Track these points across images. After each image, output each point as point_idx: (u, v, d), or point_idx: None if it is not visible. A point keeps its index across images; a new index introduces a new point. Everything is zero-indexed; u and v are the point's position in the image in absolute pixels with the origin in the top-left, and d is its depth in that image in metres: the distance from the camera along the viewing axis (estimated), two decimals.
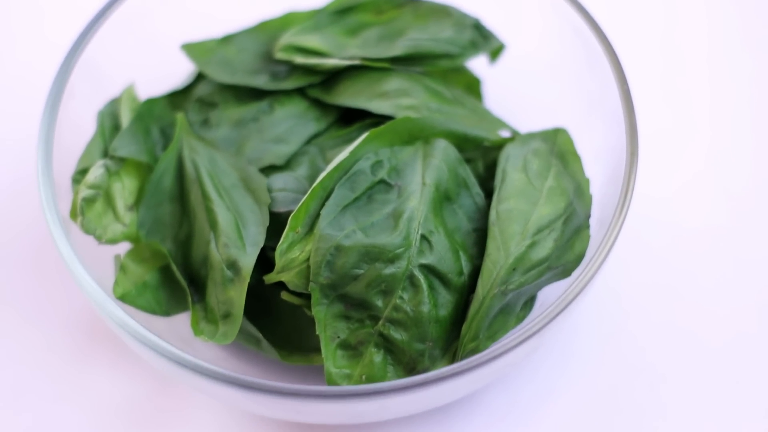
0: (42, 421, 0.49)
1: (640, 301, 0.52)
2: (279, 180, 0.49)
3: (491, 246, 0.46)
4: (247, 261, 0.46)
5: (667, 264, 0.53)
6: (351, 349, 0.45)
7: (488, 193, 0.49)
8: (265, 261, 0.47)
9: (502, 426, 0.49)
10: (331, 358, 0.45)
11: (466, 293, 0.46)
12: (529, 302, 0.48)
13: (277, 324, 0.48)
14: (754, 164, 0.57)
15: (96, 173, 0.48)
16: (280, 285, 0.47)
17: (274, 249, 0.46)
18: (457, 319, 0.46)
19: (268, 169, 0.49)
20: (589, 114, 0.51)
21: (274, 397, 0.42)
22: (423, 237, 0.46)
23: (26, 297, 0.52)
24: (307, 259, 0.45)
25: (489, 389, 0.50)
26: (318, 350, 0.46)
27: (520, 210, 0.47)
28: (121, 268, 0.48)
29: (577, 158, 0.50)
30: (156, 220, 0.49)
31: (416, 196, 0.46)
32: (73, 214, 0.47)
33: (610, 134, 0.49)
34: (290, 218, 0.46)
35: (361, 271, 0.45)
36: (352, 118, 0.51)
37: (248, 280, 0.45)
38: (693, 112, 0.59)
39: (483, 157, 0.50)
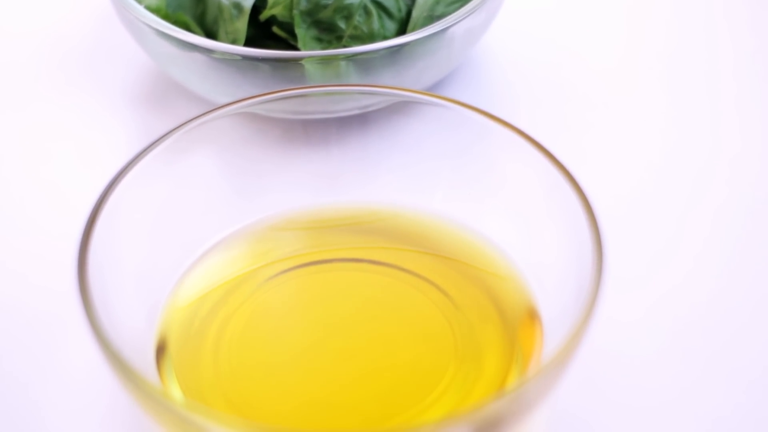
0: (104, 143, 0.66)
1: (536, 57, 0.71)
2: None
3: None
4: (248, 2, 0.64)
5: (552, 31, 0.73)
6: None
7: None
8: (257, 22, 0.66)
9: None
10: None
11: (404, 25, 0.65)
12: None
13: None
14: None
15: None
16: (270, 30, 0.65)
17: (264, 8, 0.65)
18: None
19: None
20: None
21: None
22: None
23: (87, 71, 0.71)
24: None
25: None
26: None
27: None
28: None
29: None
30: (179, 4, 0.68)
31: None
32: None
33: None
34: None
35: (330, 2, 0.64)
36: None
37: (248, 13, 0.64)
38: None
39: None
